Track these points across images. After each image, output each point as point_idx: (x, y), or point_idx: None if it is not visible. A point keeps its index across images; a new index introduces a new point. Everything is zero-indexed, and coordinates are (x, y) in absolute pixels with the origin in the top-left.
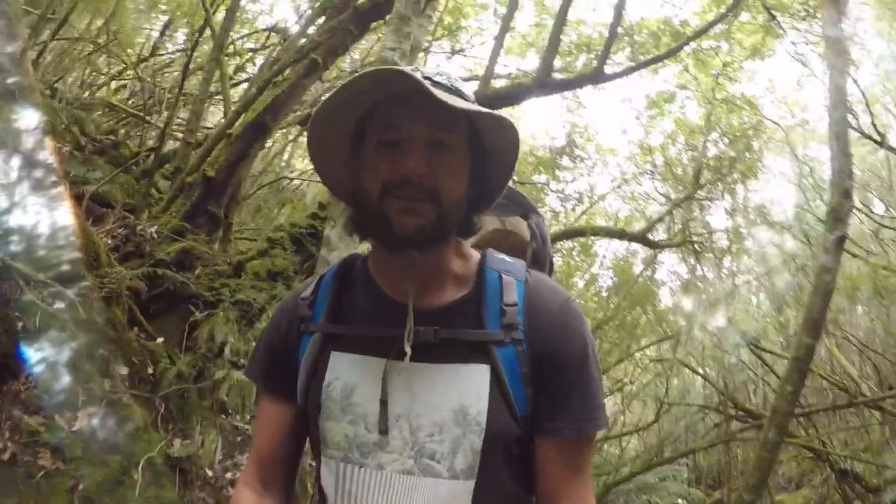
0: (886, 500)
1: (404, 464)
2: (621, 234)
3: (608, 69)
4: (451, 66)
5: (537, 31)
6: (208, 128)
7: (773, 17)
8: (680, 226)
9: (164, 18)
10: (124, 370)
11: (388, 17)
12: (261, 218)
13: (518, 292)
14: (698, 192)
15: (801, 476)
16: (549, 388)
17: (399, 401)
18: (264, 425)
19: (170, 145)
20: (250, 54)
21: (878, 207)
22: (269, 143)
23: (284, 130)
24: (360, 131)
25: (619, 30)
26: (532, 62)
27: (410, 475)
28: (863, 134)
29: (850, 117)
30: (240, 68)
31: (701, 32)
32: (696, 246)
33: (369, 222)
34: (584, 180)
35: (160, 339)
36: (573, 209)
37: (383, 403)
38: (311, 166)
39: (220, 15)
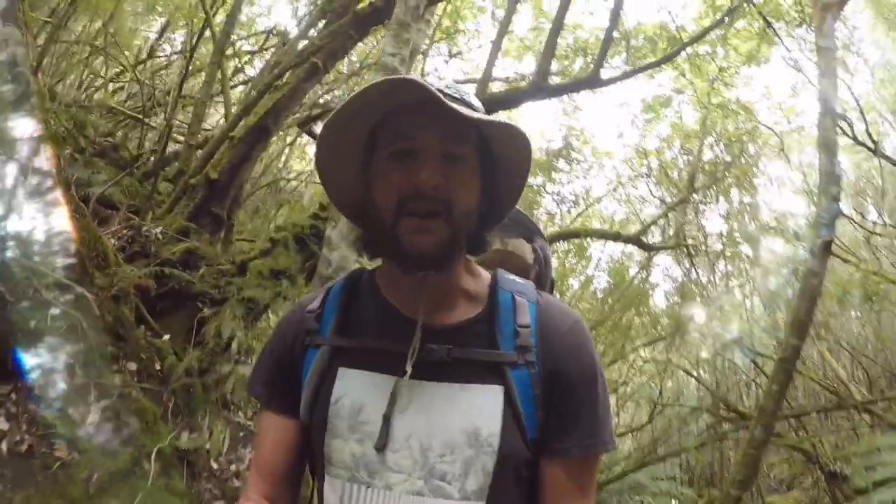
0: (874, 501)
1: (413, 484)
2: (616, 237)
3: (605, 73)
4: (448, 70)
5: (535, 34)
6: (207, 129)
7: (769, 24)
8: (674, 229)
9: (162, 20)
10: (133, 366)
11: (386, 22)
12: (259, 219)
13: (531, 314)
14: (693, 195)
15: (791, 478)
16: (558, 408)
17: (409, 420)
18: (268, 440)
19: (170, 147)
20: (248, 56)
21: (873, 214)
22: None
23: (282, 132)
24: (371, 143)
25: (616, 34)
26: (529, 65)
27: (420, 496)
28: (856, 141)
29: (844, 124)
30: (238, 70)
31: (697, 38)
32: (690, 249)
33: (380, 240)
34: (580, 183)
35: (167, 337)
36: (569, 211)
37: (386, 419)
38: (309, 167)
39: (218, 17)
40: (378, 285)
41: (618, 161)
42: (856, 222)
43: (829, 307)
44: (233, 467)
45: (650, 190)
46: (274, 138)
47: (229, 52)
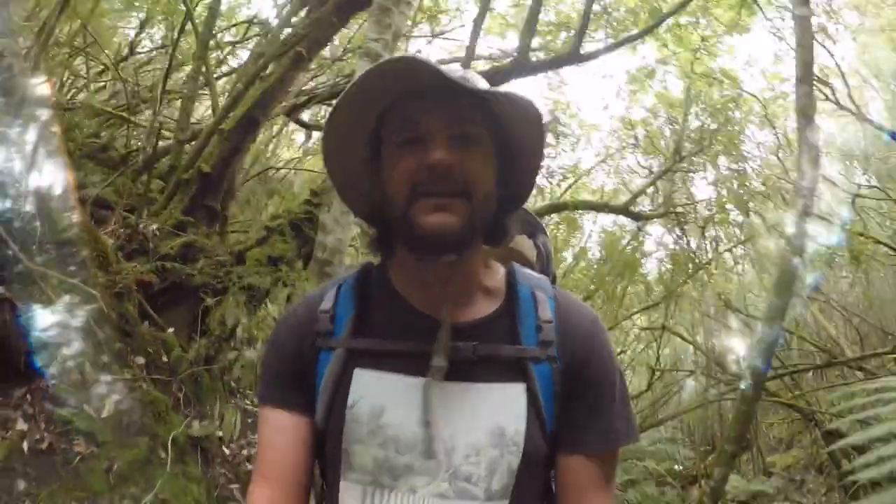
0: (872, 456)
1: (438, 487)
2: (605, 207)
3: (587, 47)
4: (431, 50)
5: (517, 10)
6: (195, 123)
7: None
8: (663, 198)
9: (140, 16)
10: (141, 360)
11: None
12: (250, 209)
13: (551, 309)
14: (680, 164)
15: (791, 437)
16: (577, 403)
17: (434, 422)
18: (278, 441)
19: (159, 143)
20: (231, 47)
21: (860, 177)
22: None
23: (269, 122)
24: (377, 137)
25: (598, 7)
26: (512, 42)
27: (445, 499)
28: (839, 106)
29: (827, 90)
30: (221, 62)
31: (677, 9)
32: (679, 217)
33: (396, 229)
34: (569, 156)
35: (171, 329)
36: (558, 184)
37: (428, 425)
38: (296, 155)
39: (198, 9)
40: (390, 281)
41: (605, 133)
42: (837, 185)
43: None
44: (244, 452)
45: (638, 160)
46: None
47: (212, 43)
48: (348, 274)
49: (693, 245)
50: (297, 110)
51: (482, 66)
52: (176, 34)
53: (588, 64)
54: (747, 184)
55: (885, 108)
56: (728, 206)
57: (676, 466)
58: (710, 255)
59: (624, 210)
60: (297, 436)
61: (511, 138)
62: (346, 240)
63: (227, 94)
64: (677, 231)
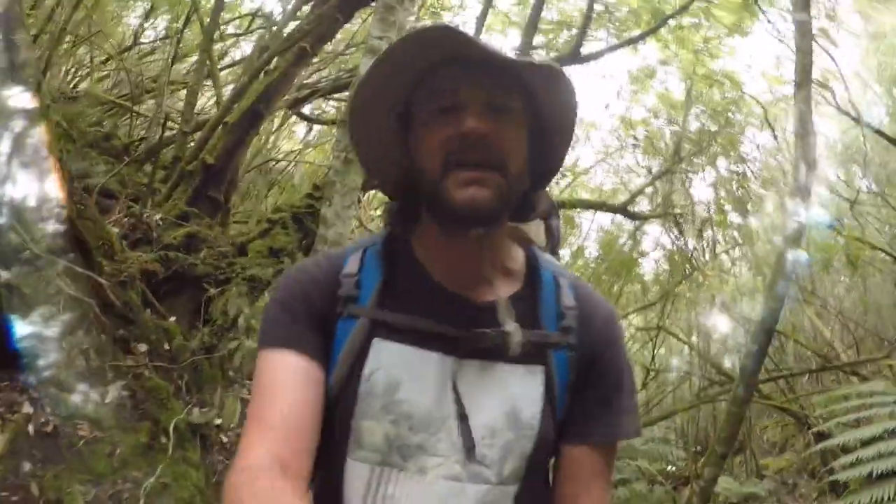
0: (852, 458)
1: (451, 469)
2: (602, 207)
3: (590, 46)
4: None
5: (519, 8)
6: (198, 114)
7: None
8: (661, 198)
9: (145, 5)
10: (143, 347)
11: (373, 4)
12: (251, 200)
13: (572, 296)
14: (679, 165)
15: (784, 441)
16: (588, 393)
17: (448, 401)
18: (289, 387)
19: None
20: (234, 39)
21: (862, 182)
22: None
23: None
24: (407, 109)
25: (600, 6)
26: (514, 40)
27: (457, 481)
28: (839, 110)
29: (827, 93)
30: (224, 54)
31: (680, 11)
32: (677, 217)
33: (426, 201)
34: (568, 154)
35: (173, 318)
36: (557, 182)
37: (462, 417)
38: (297, 148)
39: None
40: (414, 252)
41: (605, 132)
42: (836, 191)
43: (814, 272)
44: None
45: (637, 160)
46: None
47: (216, 35)
48: (370, 240)
49: (690, 246)
50: (300, 104)
51: None
52: (181, 24)
53: (590, 63)
54: (745, 186)
55: (886, 112)
56: (726, 207)
57: (669, 467)
58: (706, 257)
59: (622, 210)
60: (317, 387)
61: (543, 113)
62: (347, 233)
63: (229, 85)
64: (675, 232)
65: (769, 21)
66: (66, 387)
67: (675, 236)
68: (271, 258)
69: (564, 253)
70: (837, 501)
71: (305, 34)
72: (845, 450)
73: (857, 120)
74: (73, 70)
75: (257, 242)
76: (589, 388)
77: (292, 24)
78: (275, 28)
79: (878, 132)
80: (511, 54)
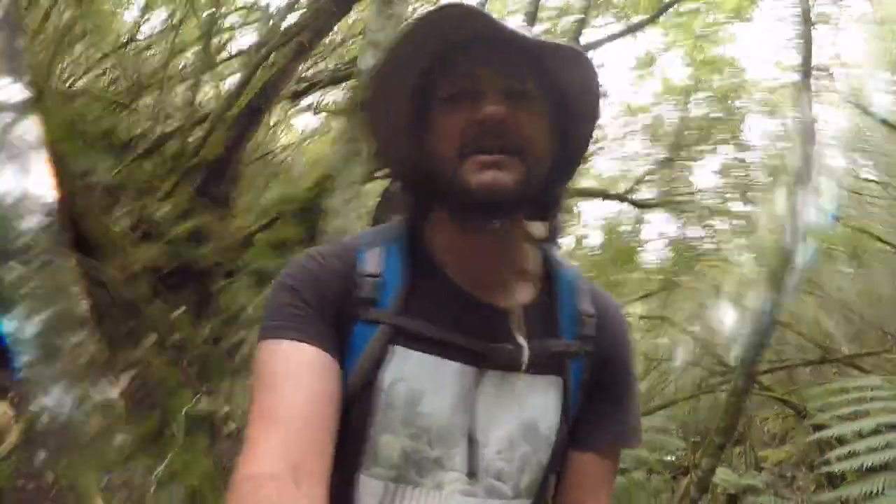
0: (859, 448)
1: (467, 484)
2: (604, 195)
3: (590, 33)
4: None
5: None
6: (197, 109)
7: None
8: (664, 186)
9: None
10: (151, 339)
11: None
12: (251, 192)
13: (590, 302)
14: (681, 152)
15: (784, 433)
16: (600, 398)
17: (466, 411)
18: (298, 377)
19: (162, 128)
20: (231, 33)
21: (863, 170)
22: None
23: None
24: (421, 95)
25: None
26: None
27: (473, 497)
28: (844, 98)
29: (829, 81)
30: (221, 47)
31: None
32: (680, 205)
33: (441, 191)
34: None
35: (180, 310)
36: None
37: (472, 439)
38: (296, 139)
39: None
40: (431, 250)
41: (606, 119)
42: (839, 180)
43: (816, 263)
44: None
45: (639, 148)
46: None
47: (214, 29)
48: (385, 234)
49: (693, 234)
50: (299, 96)
51: None
52: (177, 19)
53: (589, 52)
54: (748, 173)
55: (894, 102)
56: (729, 195)
57: (668, 457)
58: (709, 245)
59: (623, 198)
60: (334, 380)
61: (566, 99)
62: (350, 225)
63: (227, 79)
64: (677, 220)
65: (769, 7)
66: (77, 379)
67: (678, 225)
68: (276, 250)
69: (566, 241)
70: (828, 493)
71: (302, 29)
72: (841, 441)
73: (860, 108)
74: (69, 68)
75: (262, 235)
76: (600, 395)
77: (291, 16)
78: (272, 22)
79: (883, 121)
80: (530, 34)
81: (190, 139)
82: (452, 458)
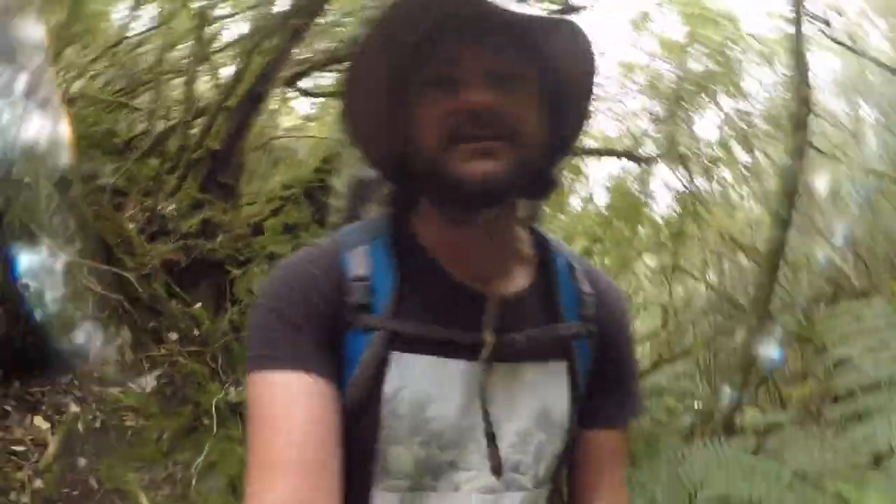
0: (881, 380)
1: (485, 481)
2: (608, 152)
3: None
4: None
5: None
6: (196, 101)
7: None
8: (666, 140)
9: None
10: (174, 335)
11: None
12: (256, 180)
13: (588, 282)
14: (683, 105)
15: (806, 370)
16: (605, 378)
17: (474, 408)
18: (298, 414)
19: (160, 125)
20: (222, 22)
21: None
22: None
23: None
24: (402, 78)
25: None
26: None
27: (493, 492)
28: (836, 41)
29: (825, 26)
30: (214, 37)
31: None
32: (683, 158)
33: (425, 183)
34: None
35: (198, 304)
36: None
37: (490, 436)
38: (296, 123)
39: None
40: (419, 242)
41: (605, 78)
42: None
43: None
44: None
45: (640, 105)
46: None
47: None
48: (369, 229)
49: (698, 185)
50: (297, 79)
51: None
52: (168, 12)
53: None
54: (749, 123)
55: (890, 45)
56: (732, 144)
57: (695, 403)
58: (715, 195)
59: (627, 154)
60: (336, 412)
61: (558, 76)
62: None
63: (222, 69)
64: (682, 172)
65: None
66: (107, 382)
67: (684, 177)
68: (287, 234)
69: (575, 202)
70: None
71: (296, 11)
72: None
73: (854, 51)
74: (62, 73)
75: (272, 221)
76: (605, 373)
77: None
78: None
79: (879, 63)
80: (520, 9)
81: (191, 132)
82: (467, 458)
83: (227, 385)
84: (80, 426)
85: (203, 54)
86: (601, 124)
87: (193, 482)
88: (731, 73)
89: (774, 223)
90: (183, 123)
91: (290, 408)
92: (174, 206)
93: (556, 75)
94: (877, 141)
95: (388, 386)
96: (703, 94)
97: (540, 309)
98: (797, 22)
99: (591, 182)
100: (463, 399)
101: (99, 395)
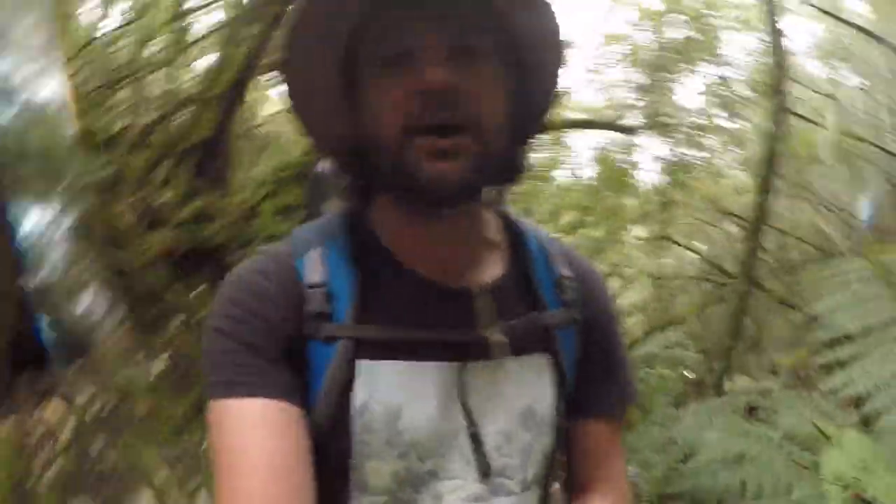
0: (856, 332)
1: (470, 489)
2: (592, 124)
3: None
4: None
5: None
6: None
7: None
8: (649, 110)
9: None
10: (178, 321)
11: None
12: (241, 168)
13: (565, 263)
14: (663, 74)
15: (796, 337)
16: (594, 364)
17: (456, 415)
18: (263, 445)
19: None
20: (199, 11)
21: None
22: None
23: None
24: (352, 58)
25: None
26: None
27: (479, 501)
28: (815, 6)
29: None
30: (187, 28)
31: None
32: (668, 127)
33: (382, 177)
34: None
35: (201, 287)
36: None
37: (475, 437)
38: (278, 108)
39: None
40: (378, 237)
41: (586, 50)
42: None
43: (807, 168)
44: None
45: (621, 75)
46: None
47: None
48: (324, 228)
49: (683, 153)
50: (276, 66)
51: None
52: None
53: None
54: (730, 90)
55: (871, 10)
56: (715, 112)
57: (687, 373)
58: (700, 162)
59: (611, 125)
60: (303, 437)
61: (522, 49)
62: None
63: (202, 58)
64: (667, 141)
65: None
66: (115, 368)
67: (668, 146)
68: (282, 216)
69: (561, 174)
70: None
71: None
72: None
73: (832, 15)
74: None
75: (266, 205)
76: (594, 360)
77: None
78: None
79: (859, 28)
80: None
81: (176, 124)
82: (449, 466)
83: None
84: (93, 410)
85: (180, 46)
86: (584, 95)
87: (205, 459)
88: (711, 41)
89: (758, 189)
90: (168, 115)
91: (252, 438)
92: (167, 196)
93: (519, 48)
94: (857, 105)
95: (357, 399)
96: (683, 63)
97: (517, 298)
98: None
99: (577, 154)
100: (440, 403)
101: (107, 381)
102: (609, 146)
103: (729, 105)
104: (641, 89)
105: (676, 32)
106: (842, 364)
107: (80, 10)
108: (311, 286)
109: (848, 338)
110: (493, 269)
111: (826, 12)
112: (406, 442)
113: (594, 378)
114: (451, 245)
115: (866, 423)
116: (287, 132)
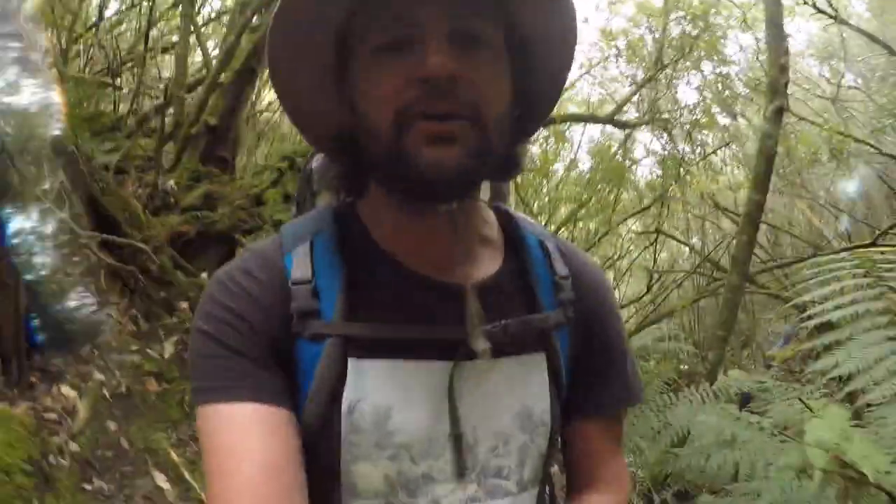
0: (840, 320)
1: (465, 491)
2: (591, 119)
3: None
4: None
5: None
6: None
7: None
8: (647, 105)
9: None
10: (184, 304)
11: None
12: (244, 154)
13: (563, 262)
14: (663, 71)
15: (790, 332)
16: (592, 364)
17: (443, 416)
18: (253, 451)
19: (147, 104)
20: None
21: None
22: None
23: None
24: (344, 41)
25: None
26: None
27: (476, 503)
28: (817, 9)
29: None
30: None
31: None
32: (665, 123)
33: (376, 166)
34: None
35: (204, 274)
36: None
37: (457, 438)
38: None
39: None
40: (369, 232)
41: (587, 45)
42: (817, 87)
43: (803, 166)
44: None
45: (620, 70)
46: None
47: None
48: (311, 223)
49: (680, 149)
50: None
51: None
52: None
53: None
54: (728, 87)
55: (867, 9)
56: (713, 109)
57: (682, 366)
58: (697, 159)
59: (610, 120)
60: (294, 441)
61: (529, 36)
62: None
63: (212, 42)
64: (664, 136)
65: None
66: (126, 350)
67: (665, 141)
68: (288, 203)
69: (558, 168)
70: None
71: None
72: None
73: (834, 18)
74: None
75: (271, 191)
76: (592, 359)
77: None
78: None
79: (858, 29)
80: None
81: (184, 108)
82: (443, 468)
83: None
84: (105, 392)
85: (190, 29)
86: (584, 90)
87: None
88: (712, 38)
89: (753, 186)
90: (173, 100)
91: (242, 440)
92: (175, 180)
93: (526, 38)
94: (855, 106)
95: (346, 399)
96: (683, 59)
97: (513, 296)
98: None
99: (575, 148)
100: (433, 404)
101: (120, 362)
102: (607, 140)
103: (726, 102)
104: (640, 85)
105: (676, 29)
106: (828, 348)
107: None
108: (296, 283)
109: (834, 326)
110: (488, 266)
111: (827, 14)
112: (397, 443)
113: (593, 376)
114: (446, 240)
115: (850, 402)
116: (285, 120)
